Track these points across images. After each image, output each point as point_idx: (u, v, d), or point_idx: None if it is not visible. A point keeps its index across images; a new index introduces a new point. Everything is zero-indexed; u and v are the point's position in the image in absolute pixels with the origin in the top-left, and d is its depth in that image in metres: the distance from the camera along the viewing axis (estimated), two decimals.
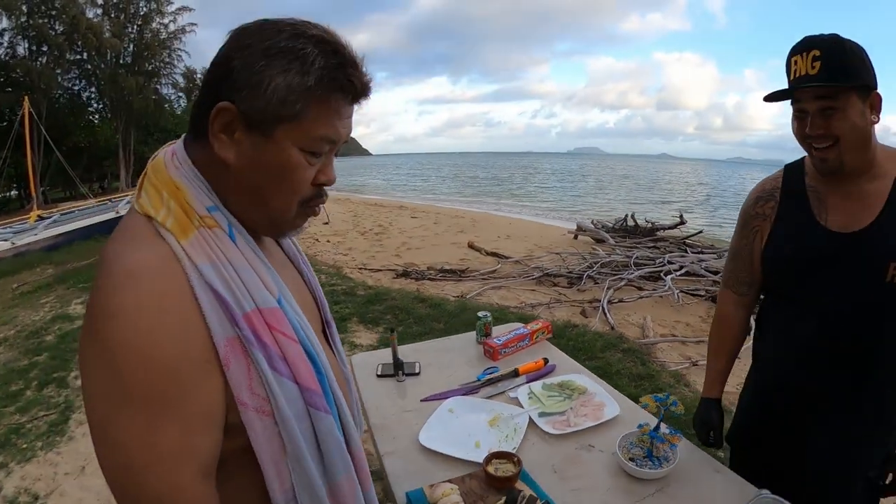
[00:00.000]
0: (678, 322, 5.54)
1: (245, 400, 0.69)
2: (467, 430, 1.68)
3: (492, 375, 1.99)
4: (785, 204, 1.34)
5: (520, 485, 1.37)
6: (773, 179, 1.39)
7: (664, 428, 1.43)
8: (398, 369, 2.01)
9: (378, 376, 2.05)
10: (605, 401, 1.77)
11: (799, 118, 1.18)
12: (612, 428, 1.64)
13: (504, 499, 1.28)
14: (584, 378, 1.93)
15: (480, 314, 2.30)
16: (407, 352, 2.23)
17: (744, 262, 1.46)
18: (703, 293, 6.33)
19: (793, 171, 1.36)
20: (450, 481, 1.38)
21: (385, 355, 2.12)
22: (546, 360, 2.05)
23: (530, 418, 1.70)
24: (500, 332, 2.26)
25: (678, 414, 1.40)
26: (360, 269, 7.73)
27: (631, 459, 1.42)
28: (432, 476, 1.44)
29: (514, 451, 1.50)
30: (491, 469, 1.38)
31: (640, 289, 6.53)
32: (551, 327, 2.37)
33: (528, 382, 1.93)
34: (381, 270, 7.65)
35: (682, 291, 6.21)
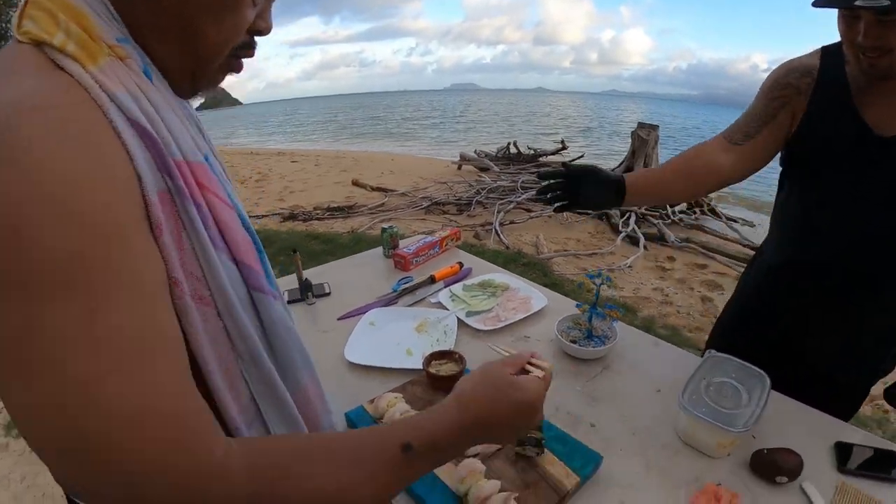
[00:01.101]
0: (569, 239, 5.80)
1: (178, 278, 0.52)
2: (395, 339, 1.58)
3: (408, 285, 1.89)
4: (823, 87, 1.19)
5: None
6: (809, 57, 1.22)
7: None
8: (306, 291, 1.84)
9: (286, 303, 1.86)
10: (531, 294, 1.75)
11: (848, 22, 1.03)
12: (543, 318, 1.63)
13: None
14: (503, 276, 1.90)
15: (386, 226, 2.18)
16: (312, 275, 2.06)
17: (756, 119, 1.27)
18: (589, 212, 6.65)
19: (832, 56, 1.19)
20: (392, 391, 1.29)
21: (290, 282, 1.94)
22: (461, 264, 1.99)
23: (459, 319, 1.64)
24: (408, 243, 2.16)
25: (612, 306, 1.39)
26: (250, 216, 7.21)
27: (572, 342, 1.41)
28: (369, 392, 1.33)
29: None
30: (434, 370, 1.30)
31: (529, 210, 6.70)
32: (460, 234, 2.30)
33: (446, 287, 1.86)
34: (265, 216, 7.20)
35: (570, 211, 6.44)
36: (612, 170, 8.91)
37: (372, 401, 1.24)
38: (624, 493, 1.02)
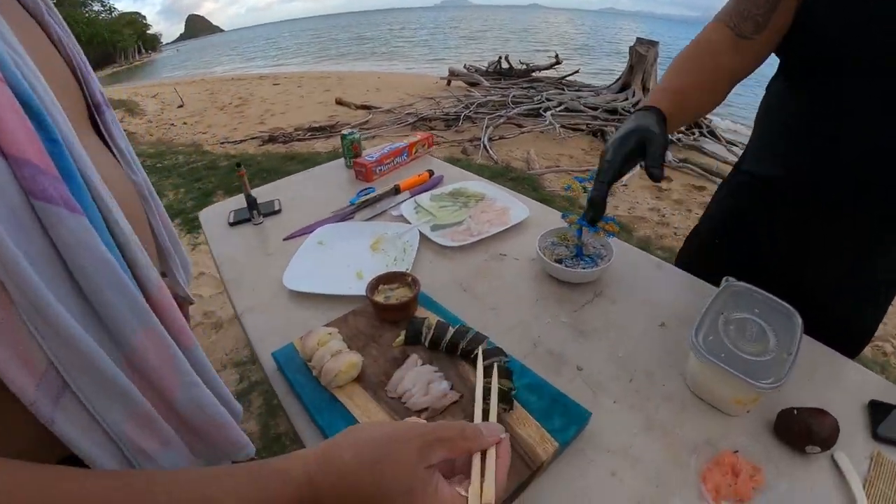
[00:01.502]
0: (562, 155, 5.47)
1: None
2: (344, 261, 1.28)
3: (367, 196, 1.57)
4: None
5: (421, 312, 1.02)
6: None
7: None
8: (252, 209, 1.52)
9: (230, 225, 1.56)
10: (509, 204, 1.43)
11: None
12: (524, 232, 1.33)
13: (404, 332, 0.93)
14: (479, 183, 1.57)
15: (346, 132, 1.83)
16: (264, 192, 1.74)
17: (765, 3, 0.97)
18: (583, 128, 6.24)
19: None
20: (329, 325, 1.00)
21: (238, 202, 1.62)
22: (431, 173, 1.66)
23: (421, 234, 1.33)
24: (373, 151, 1.81)
25: (607, 218, 1.06)
26: (222, 143, 6.83)
27: (557, 261, 1.11)
28: (307, 327, 1.05)
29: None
30: (380, 298, 1.01)
31: (519, 126, 6.29)
32: (433, 139, 1.95)
33: (412, 197, 1.54)
34: (244, 141, 6.80)
35: (562, 126, 6.07)
36: (609, 87, 8.45)
37: (302, 337, 0.95)
38: (616, 462, 0.75)
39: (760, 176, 1.11)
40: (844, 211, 0.99)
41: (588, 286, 1.10)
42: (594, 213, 0.91)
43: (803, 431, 0.74)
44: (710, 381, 0.81)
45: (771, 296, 0.89)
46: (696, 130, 6.55)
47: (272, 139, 6.55)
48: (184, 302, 0.95)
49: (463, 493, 0.46)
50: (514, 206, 1.41)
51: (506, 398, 0.77)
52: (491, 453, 0.51)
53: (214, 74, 20.60)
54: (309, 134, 6.56)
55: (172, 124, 8.75)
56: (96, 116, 0.64)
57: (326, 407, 0.83)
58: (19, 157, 0.39)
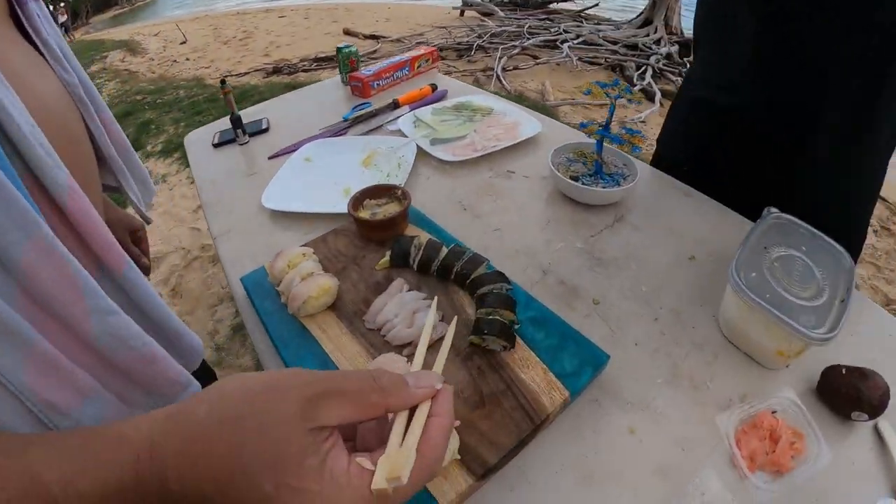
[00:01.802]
0: (578, 88, 5.15)
1: None
2: (331, 178, 1.12)
3: (362, 112, 1.39)
4: None
5: (412, 231, 0.86)
6: None
7: (618, 128, 0.93)
8: (237, 128, 1.35)
9: (215, 146, 1.39)
10: (520, 119, 1.25)
11: None
12: (536, 149, 1.15)
13: (389, 253, 0.78)
14: (487, 97, 1.37)
15: (342, 45, 1.62)
16: (252, 112, 1.56)
17: None
18: (602, 62, 5.87)
19: None
20: (304, 246, 0.85)
21: (226, 123, 1.44)
22: (435, 87, 1.46)
23: (419, 148, 1.16)
24: (372, 65, 1.61)
25: (635, 101, 0.88)
26: (226, 76, 6.55)
27: (573, 178, 0.94)
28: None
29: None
30: (365, 214, 0.85)
31: (535, 57, 5.92)
32: (438, 54, 1.74)
33: (412, 111, 1.35)
34: (248, 73, 6.52)
35: (580, 59, 5.72)
36: (630, 21, 7.94)
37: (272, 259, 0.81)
38: (635, 417, 0.61)
39: (714, 103, 0.98)
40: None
41: (608, 209, 0.93)
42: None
43: (851, 395, 0.58)
44: (750, 327, 0.65)
45: (819, 232, 0.72)
46: None
47: (276, 71, 6.26)
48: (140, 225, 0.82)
49: (369, 465, 0.32)
50: (526, 121, 1.22)
51: (506, 333, 0.62)
52: (422, 410, 0.35)
53: (218, 10, 19.80)
54: (315, 64, 6.25)
55: (175, 61, 8.37)
56: (17, 10, 0.54)
57: (293, 339, 0.69)
58: None
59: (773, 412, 0.60)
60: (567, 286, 0.78)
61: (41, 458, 0.32)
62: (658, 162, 1.11)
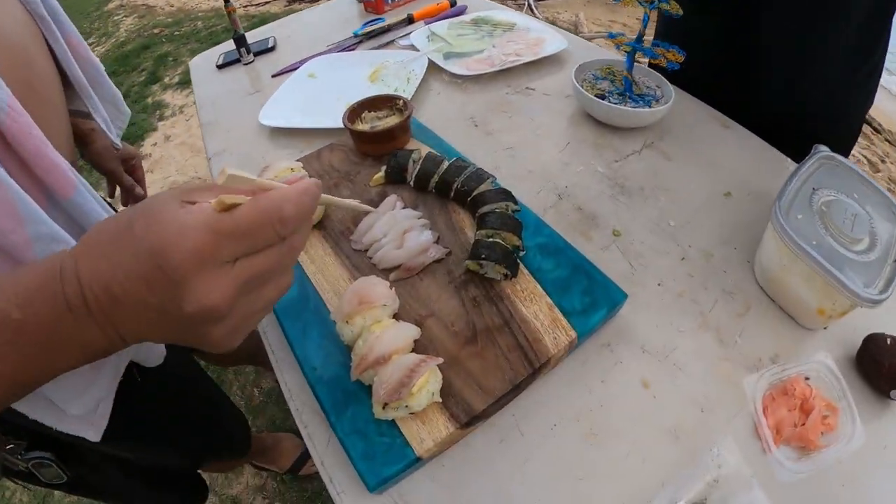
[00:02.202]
0: (614, 22, 4.80)
1: None
2: (335, 93, 1.01)
3: (374, 27, 1.25)
4: None
5: (413, 145, 0.76)
6: None
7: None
8: (241, 46, 1.23)
9: (219, 67, 1.28)
10: (546, 35, 1.10)
11: None
12: (560, 66, 1.01)
13: (384, 167, 0.68)
14: (509, 12, 1.22)
15: None
16: (259, 33, 1.44)
17: None
18: None
19: None
20: (296, 161, 0.77)
21: (231, 45, 1.33)
22: (453, 2, 1.31)
23: (431, 62, 1.03)
24: None
25: (673, 14, 0.73)
26: (245, 6, 6.29)
27: (600, 97, 0.81)
28: None
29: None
30: (364, 126, 0.75)
31: None
32: None
33: (427, 25, 1.22)
34: (269, 2, 6.25)
35: None
36: None
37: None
38: (651, 368, 0.52)
39: None
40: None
41: (636, 134, 0.81)
42: None
43: (895, 369, 0.49)
44: (790, 278, 0.54)
45: (871, 178, 0.60)
46: None
47: None
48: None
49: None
50: (550, 38, 1.08)
51: (508, 259, 0.53)
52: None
53: None
54: None
55: None
56: None
57: None
58: None
59: (807, 379, 0.51)
60: (584, 213, 0.67)
61: None
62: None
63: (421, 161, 0.66)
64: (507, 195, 0.60)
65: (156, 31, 4.81)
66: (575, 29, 4.32)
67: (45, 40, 0.56)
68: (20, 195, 0.38)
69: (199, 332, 0.31)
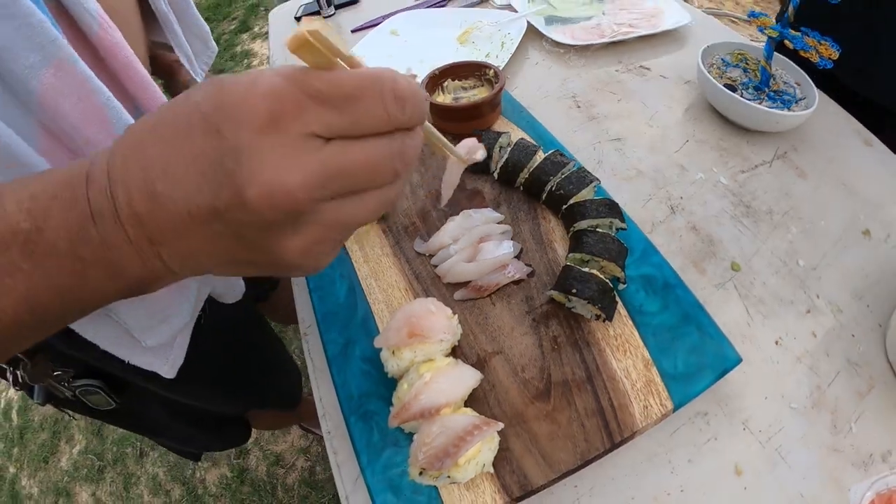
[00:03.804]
0: None
1: None
2: (418, 55, 0.89)
3: None
4: None
5: (502, 125, 0.64)
6: None
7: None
8: None
9: (297, 20, 1.18)
10: (664, 6, 0.92)
11: None
12: (680, 46, 0.83)
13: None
14: None
15: None
16: None
17: None
18: None
19: None
20: None
21: None
22: None
23: (530, 26, 0.89)
24: None
25: (822, 37, 0.54)
26: None
27: (729, 88, 0.65)
28: None
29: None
30: (445, 99, 0.64)
31: None
32: None
33: None
34: None
35: None
36: None
37: None
38: (748, 452, 0.40)
39: None
40: None
41: (768, 139, 0.64)
42: None
43: None
44: None
45: None
46: None
47: None
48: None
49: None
50: (669, 9, 0.90)
51: (605, 297, 0.40)
52: None
53: None
54: None
55: None
56: None
57: None
58: None
59: None
60: (700, 236, 0.53)
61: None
62: None
63: (510, 148, 0.53)
64: (612, 209, 0.46)
65: None
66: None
67: None
68: (112, 103, 0.36)
69: (267, 241, 0.22)
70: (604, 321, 0.41)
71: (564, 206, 0.49)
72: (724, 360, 0.40)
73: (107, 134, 0.36)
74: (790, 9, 0.59)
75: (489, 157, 0.54)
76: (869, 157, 0.63)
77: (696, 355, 0.41)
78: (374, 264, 0.50)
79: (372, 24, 1.04)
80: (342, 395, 0.42)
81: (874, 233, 0.55)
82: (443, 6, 1.06)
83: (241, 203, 0.20)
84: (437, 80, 0.65)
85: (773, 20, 0.61)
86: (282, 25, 1.20)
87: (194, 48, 0.68)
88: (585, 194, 0.49)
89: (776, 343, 0.46)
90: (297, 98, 0.20)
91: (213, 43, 0.74)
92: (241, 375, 0.80)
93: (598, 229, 0.45)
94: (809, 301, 0.49)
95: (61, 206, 0.23)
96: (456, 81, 0.66)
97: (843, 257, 0.53)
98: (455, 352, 0.42)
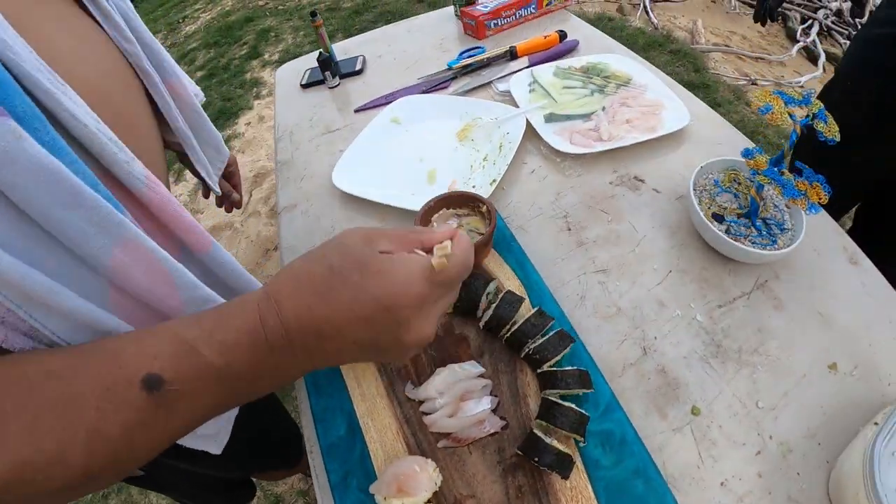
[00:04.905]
0: (733, 34, 4.52)
1: None
2: (418, 151, 1.03)
3: (471, 59, 1.26)
4: None
5: (493, 259, 0.77)
6: None
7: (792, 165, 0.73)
8: (325, 69, 1.29)
9: (303, 87, 1.35)
10: (664, 99, 1.05)
11: None
12: (677, 147, 0.95)
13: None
14: (626, 60, 1.17)
15: None
16: (350, 46, 1.48)
17: None
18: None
19: None
20: None
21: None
22: (563, 35, 1.28)
23: (529, 123, 1.02)
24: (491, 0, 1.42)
25: (828, 139, 0.67)
26: None
27: (717, 218, 0.77)
28: None
29: (493, 184, 0.89)
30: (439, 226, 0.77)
31: None
32: None
33: (531, 66, 1.20)
34: None
35: (739, 0, 5.01)
36: None
37: None
38: None
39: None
40: None
41: (751, 268, 0.75)
42: None
43: None
44: None
45: None
46: None
47: None
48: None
49: (423, 254, 0.43)
50: (671, 104, 1.01)
51: (562, 463, 0.53)
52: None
53: None
54: None
55: None
56: None
57: (327, 386, 0.65)
58: None
59: None
60: (667, 379, 0.64)
61: (181, 324, 0.39)
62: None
63: (497, 302, 0.65)
64: (581, 379, 0.58)
65: (261, 2, 5.05)
66: (692, 38, 4.12)
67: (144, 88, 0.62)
68: (175, 266, 0.46)
69: (401, 352, 0.43)
70: (564, 476, 0.54)
71: (539, 371, 0.61)
72: None
73: (172, 290, 0.47)
74: (786, 148, 0.71)
75: (475, 305, 0.67)
76: (853, 279, 0.73)
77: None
78: (370, 404, 0.62)
79: (374, 105, 1.19)
80: None
81: (841, 366, 0.64)
82: (445, 87, 1.21)
83: (399, 343, 0.41)
84: (433, 209, 0.78)
85: (766, 160, 0.71)
86: (287, 89, 1.35)
87: (207, 155, 0.81)
88: (559, 361, 0.61)
89: (721, 484, 0.56)
90: (431, 291, 0.40)
91: (225, 148, 0.87)
92: (253, 447, 0.94)
93: (566, 399, 0.56)
94: (761, 442, 0.58)
95: (246, 347, 0.38)
96: (450, 210, 0.80)
97: (804, 394, 0.62)
98: (435, 496, 0.54)
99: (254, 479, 1.23)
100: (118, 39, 0.57)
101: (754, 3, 5.14)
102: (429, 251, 0.43)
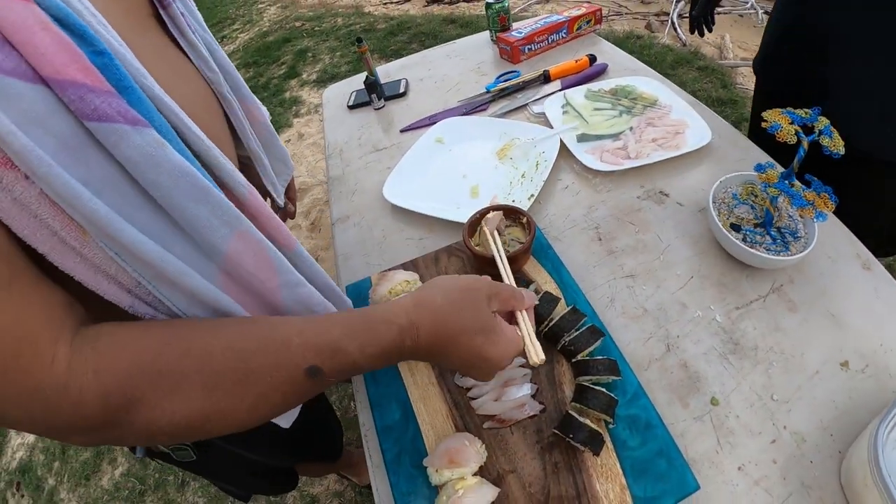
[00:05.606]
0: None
1: None
2: (461, 168, 1.13)
3: (508, 82, 1.35)
4: None
5: (531, 266, 0.85)
6: None
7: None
8: (372, 93, 1.40)
9: (350, 108, 1.46)
10: (688, 119, 1.13)
11: None
12: (700, 164, 1.03)
13: None
14: (652, 83, 1.25)
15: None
16: (393, 70, 1.60)
17: None
18: None
19: None
20: (413, 263, 0.89)
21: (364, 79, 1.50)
22: (593, 58, 1.36)
23: (563, 143, 1.11)
24: (524, 25, 1.52)
25: (833, 153, 0.73)
26: (385, 3, 6.58)
27: (735, 228, 0.85)
28: (398, 254, 0.98)
29: (531, 199, 0.98)
30: (480, 244, 0.86)
31: (718, 3, 5.19)
32: (602, 14, 1.61)
33: (563, 90, 1.29)
34: (408, 0, 6.47)
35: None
36: None
37: (383, 273, 0.86)
38: None
39: None
40: None
41: (767, 274, 0.83)
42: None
43: None
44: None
45: None
46: None
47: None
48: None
49: (518, 332, 0.58)
50: (694, 124, 1.09)
51: (594, 440, 0.61)
52: (525, 316, 0.60)
53: None
54: None
55: None
56: (162, 12, 0.60)
57: (383, 375, 0.75)
58: (59, 79, 0.37)
59: None
60: (688, 373, 0.72)
61: (341, 336, 0.50)
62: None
63: (536, 303, 0.74)
64: (611, 368, 0.66)
65: (297, 24, 5.23)
66: (720, 53, 4.10)
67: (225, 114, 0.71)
68: (275, 252, 0.55)
69: (483, 377, 0.58)
70: (595, 453, 0.61)
71: (573, 360, 0.70)
72: (684, 487, 0.59)
73: (273, 274, 0.55)
74: (795, 161, 0.77)
75: None
76: (866, 284, 0.79)
77: (661, 482, 0.59)
78: (423, 391, 0.72)
79: (418, 126, 1.29)
80: (396, 492, 0.63)
81: (852, 364, 0.71)
82: (484, 109, 1.30)
83: (485, 375, 0.57)
84: (477, 222, 0.86)
85: (777, 174, 0.78)
86: (334, 110, 1.47)
87: (276, 168, 0.90)
88: (590, 352, 0.69)
89: (738, 469, 0.63)
90: (518, 351, 0.57)
91: (291, 162, 0.97)
92: (299, 435, 1.02)
93: (596, 385, 0.65)
94: (776, 432, 0.66)
95: (387, 356, 0.52)
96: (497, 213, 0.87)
97: (816, 390, 0.69)
98: (481, 469, 0.62)
99: (298, 477, 1.31)
100: (202, 69, 0.65)
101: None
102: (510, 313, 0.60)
